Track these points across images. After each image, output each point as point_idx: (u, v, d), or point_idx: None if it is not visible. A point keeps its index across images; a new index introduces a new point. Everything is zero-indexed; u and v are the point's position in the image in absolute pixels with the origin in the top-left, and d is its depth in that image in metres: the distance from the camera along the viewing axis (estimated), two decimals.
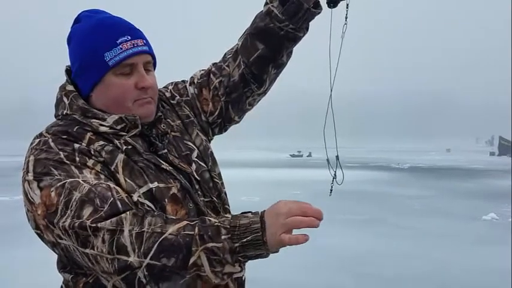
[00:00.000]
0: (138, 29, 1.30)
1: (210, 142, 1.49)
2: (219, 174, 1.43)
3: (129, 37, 1.23)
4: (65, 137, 1.19)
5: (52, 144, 1.17)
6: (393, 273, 6.35)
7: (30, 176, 1.14)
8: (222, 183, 1.43)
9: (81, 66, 1.26)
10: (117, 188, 1.15)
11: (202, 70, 1.51)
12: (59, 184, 1.11)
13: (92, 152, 1.18)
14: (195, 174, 1.31)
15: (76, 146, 1.18)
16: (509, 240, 8.42)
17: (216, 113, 1.45)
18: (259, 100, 1.51)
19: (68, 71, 1.32)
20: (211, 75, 1.46)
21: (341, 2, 1.34)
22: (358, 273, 6.38)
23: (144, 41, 1.27)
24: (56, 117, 1.30)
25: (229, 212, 1.38)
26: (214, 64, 1.48)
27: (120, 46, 1.21)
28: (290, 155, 40.85)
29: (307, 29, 1.37)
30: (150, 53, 1.29)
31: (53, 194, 1.11)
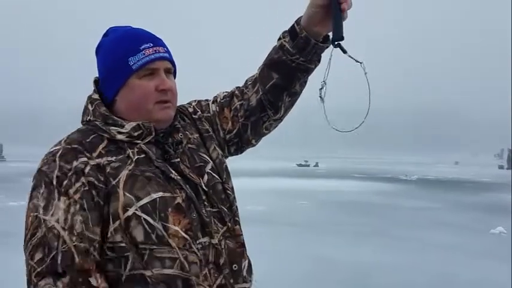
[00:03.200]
0: (160, 39, 1.40)
1: (226, 158, 1.55)
2: (232, 188, 1.48)
3: (151, 44, 1.34)
4: (75, 146, 1.28)
5: (57, 157, 1.27)
6: (400, 286, 6.31)
7: (31, 184, 1.27)
8: (234, 197, 1.48)
9: (107, 73, 1.36)
10: (65, 237, 1.21)
11: (226, 92, 1.60)
12: (34, 214, 1.23)
13: (88, 171, 1.25)
14: (203, 185, 1.36)
15: (75, 164, 1.25)
16: None
17: (234, 132, 1.53)
18: (276, 126, 1.59)
19: (96, 82, 1.43)
20: (234, 97, 1.54)
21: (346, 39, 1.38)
22: (365, 285, 6.35)
23: (165, 49, 1.37)
24: (81, 123, 1.40)
25: (239, 224, 1.43)
26: (237, 88, 1.57)
27: (143, 52, 1.32)
28: (297, 164, 40.81)
29: (318, 60, 1.44)
30: (171, 60, 1.38)
31: (29, 219, 1.23)
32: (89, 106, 1.36)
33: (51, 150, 1.30)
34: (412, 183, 24.93)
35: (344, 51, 1.33)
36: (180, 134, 1.41)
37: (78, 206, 1.22)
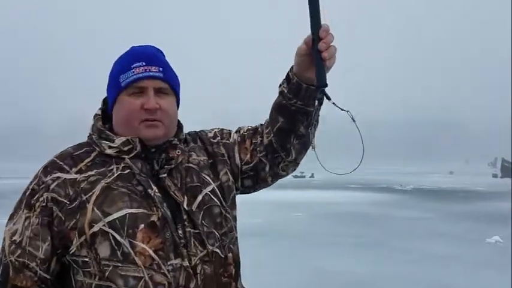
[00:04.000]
0: (161, 60, 1.41)
1: (236, 190, 1.54)
2: (235, 217, 1.49)
3: (143, 63, 1.36)
4: (57, 161, 1.36)
5: (41, 170, 1.36)
6: None
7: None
8: (235, 226, 1.47)
9: (107, 88, 1.43)
10: (7, 251, 1.31)
11: (250, 126, 1.63)
12: (6, 235, 1.33)
13: (54, 187, 1.31)
14: (185, 205, 1.34)
15: (47, 178, 1.32)
16: None
17: (251, 164, 1.53)
18: (294, 169, 1.59)
19: (106, 99, 1.47)
20: (257, 133, 1.56)
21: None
22: None
23: (161, 68, 1.38)
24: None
25: (234, 254, 1.41)
26: (261, 125, 1.60)
27: (133, 70, 1.36)
28: (293, 176, 40.77)
29: (319, 102, 1.44)
30: (165, 80, 1.38)
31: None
32: (92, 121, 1.43)
33: (46, 162, 1.38)
34: (407, 193, 24.97)
35: (328, 98, 1.34)
36: (178, 150, 1.41)
37: (36, 220, 1.30)
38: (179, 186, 1.37)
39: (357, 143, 1.38)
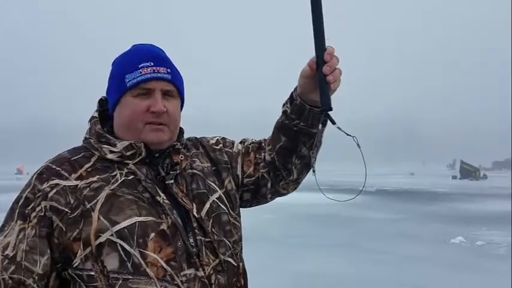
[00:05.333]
0: (168, 60, 1.33)
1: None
2: (241, 226, 1.43)
3: (151, 63, 1.28)
4: (54, 167, 1.24)
5: (35, 177, 1.23)
6: None
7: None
8: (241, 235, 1.43)
9: (109, 88, 1.33)
10: (5, 267, 1.16)
11: (255, 139, 1.57)
12: None
13: (53, 195, 1.19)
14: (195, 212, 1.28)
15: (44, 186, 1.20)
16: (479, 263, 8.68)
17: (253, 178, 1.48)
18: (294, 188, 1.55)
19: (102, 100, 1.38)
20: (261, 148, 1.52)
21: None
22: None
23: (169, 70, 1.30)
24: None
25: (243, 262, 1.38)
26: (264, 140, 1.55)
27: (141, 70, 1.27)
28: None
29: (323, 124, 1.42)
30: (173, 82, 1.31)
31: None
32: (88, 124, 1.34)
33: (38, 168, 1.26)
34: (372, 194, 25.47)
35: (333, 122, 1.32)
36: (181, 155, 1.34)
37: (32, 232, 1.17)
38: (185, 192, 1.30)
39: (354, 147, 1.37)
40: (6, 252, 1.16)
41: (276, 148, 1.46)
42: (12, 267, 1.15)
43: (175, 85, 1.31)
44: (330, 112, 1.30)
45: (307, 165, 1.49)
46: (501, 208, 19.48)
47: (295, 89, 1.41)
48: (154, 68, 1.27)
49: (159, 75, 1.27)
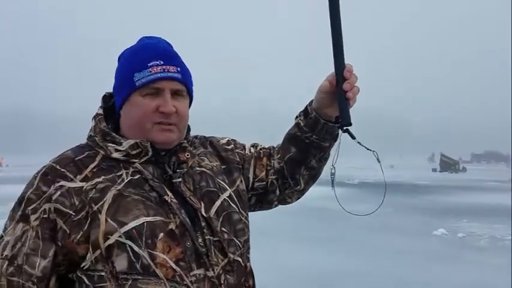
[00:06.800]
0: (177, 58, 1.31)
1: None
2: (249, 226, 1.44)
3: (161, 62, 1.25)
4: (58, 168, 1.22)
5: (38, 176, 1.21)
6: None
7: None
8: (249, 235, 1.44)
9: (116, 85, 1.31)
10: (5, 268, 1.15)
11: (264, 146, 1.59)
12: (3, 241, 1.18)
13: (57, 197, 1.18)
14: (203, 211, 1.26)
15: (49, 188, 1.19)
16: (462, 255, 8.88)
17: (264, 183, 1.50)
18: (298, 197, 1.57)
19: (106, 97, 1.36)
20: (271, 155, 1.54)
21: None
22: None
23: (179, 69, 1.28)
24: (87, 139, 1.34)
25: (249, 261, 1.38)
26: (273, 147, 1.57)
27: (150, 69, 1.24)
28: None
29: (334, 139, 1.45)
30: (183, 81, 1.29)
31: None
32: (92, 121, 1.31)
33: (40, 169, 1.25)
34: (355, 187, 25.72)
35: (353, 137, 1.37)
36: (187, 153, 1.32)
37: (34, 233, 1.16)
38: (193, 191, 1.28)
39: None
40: (5, 253, 1.15)
41: (286, 158, 1.48)
42: (11, 269, 1.14)
43: (184, 84, 1.29)
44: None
45: (314, 177, 1.53)
46: (481, 200, 19.93)
47: (310, 102, 1.43)
48: (164, 67, 1.25)
49: (168, 74, 1.25)
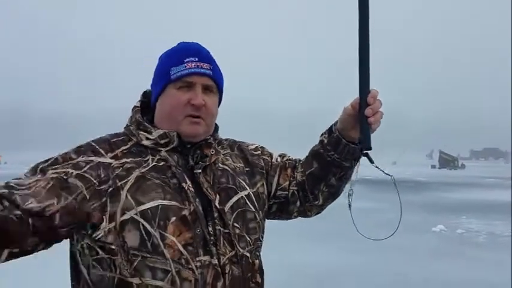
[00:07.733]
0: (211, 58, 1.41)
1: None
2: (264, 229, 1.48)
3: (196, 58, 1.36)
4: (94, 145, 1.32)
5: (73, 149, 1.30)
6: None
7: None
8: (263, 237, 1.48)
9: (154, 80, 1.42)
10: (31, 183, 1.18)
11: (290, 157, 1.66)
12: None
13: (87, 169, 1.24)
14: (217, 203, 1.33)
15: (79, 159, 1.26)
16: (461, 252, 8.93)
17: (286, 192, 1.56)
18: (317, 213, 1.64)
19: (146, 93, 1.46)
20: (295, 167, 1.60)
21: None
22: None
23: (211, 66, 1.38)
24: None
25: (261, 262, 1.42)
26: (300, 160, 1.62)
27: (185, 64, 1.35)
28: None
29: (355, 159, 1.49)
30: (214, 78, 1.38)
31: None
32: (130, 112, 1.42)
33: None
34: (354, 183, 25.74)
35: (371, 161, 1.41)
36: (212, 149, 1.41)
37: (43, 184, 1.18)
38: (211, 184, 1.36)
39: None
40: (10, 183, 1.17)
41: (307, 172, 1.55)
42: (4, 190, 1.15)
43: (215, 81, 1.39)
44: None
45: (333, 195, 1.60)
46: (480, 197, 20.01)
47: (336, 122, 1.49)
48: (198, 63, 1.35)
49: (201, 70, 1.35)
